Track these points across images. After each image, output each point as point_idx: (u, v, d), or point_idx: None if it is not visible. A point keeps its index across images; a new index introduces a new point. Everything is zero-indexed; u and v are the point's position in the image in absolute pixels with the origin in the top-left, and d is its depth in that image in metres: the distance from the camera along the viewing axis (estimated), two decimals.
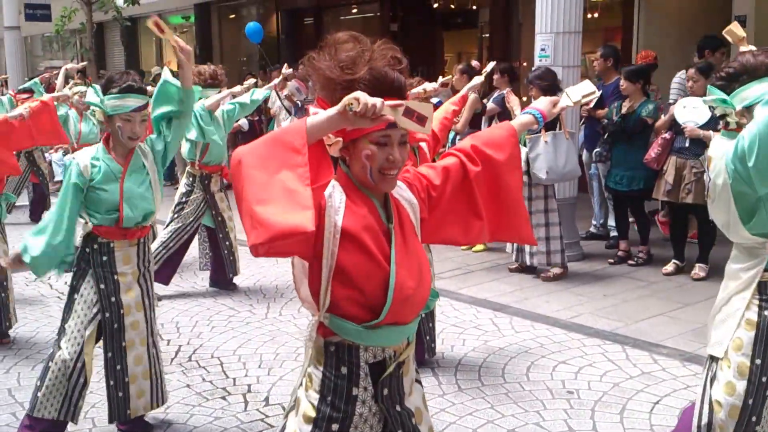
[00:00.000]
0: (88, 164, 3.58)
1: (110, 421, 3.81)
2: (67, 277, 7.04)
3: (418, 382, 2.30)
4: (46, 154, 10.40)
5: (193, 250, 6.75)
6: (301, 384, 2.19)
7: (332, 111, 1.85)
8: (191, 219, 6.21)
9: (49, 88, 9.17)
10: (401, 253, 2.05)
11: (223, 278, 6.47)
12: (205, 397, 4.36)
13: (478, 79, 5.25)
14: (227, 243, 6.35)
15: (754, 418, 2.74)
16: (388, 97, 1.89)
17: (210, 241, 6.50)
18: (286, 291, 6.42)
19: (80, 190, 3.56)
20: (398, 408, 2.16)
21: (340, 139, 1.99)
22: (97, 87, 3.62)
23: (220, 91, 6.15)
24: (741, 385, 2.71)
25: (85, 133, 8.13)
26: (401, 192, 2.16)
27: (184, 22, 18.44)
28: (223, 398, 4.36)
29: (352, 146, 2.02)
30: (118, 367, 3.74)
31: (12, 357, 5.02)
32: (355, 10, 15.27)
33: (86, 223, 3.70)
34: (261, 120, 11.17)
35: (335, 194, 2.02)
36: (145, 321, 3.78)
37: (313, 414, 2.09)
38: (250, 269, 7.01)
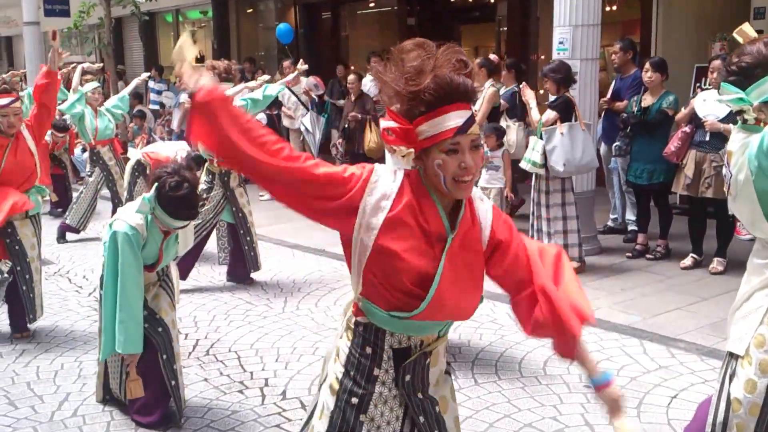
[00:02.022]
0: (144, 228, 3.76)
1: (180, 417, 4.01)
2: (86, 271, 7.14)
3: (449, 374, 2.32)
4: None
5: (211, 245, 6.78)
6: (331, 357, 2.27)
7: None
8: (211, 215, 6.24)
9: (67, 83, 9.24)
10: (452, 264, 2.04)
11: (240, 272, 6.50)
12: (223, 391, 4.39)
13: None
14: (248, 239, 6.35)
15: None
16: (457, 104, 1.95)
17: (231, 236, 6.53)
18: (303, 285, 6.44)
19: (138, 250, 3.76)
20: (420, 396, 2.18)
21: (412, 150, 2.00)
22: (151, 197, 3.72)
23: (233, 86, 6.16)
24: (763, 383, 2.65)
25: (101, 129, 8.17)
26: (483, 207, 2.16)
27: (202, 17, 18.50)
28: (241, 392, 4.38)
29: (425, 156, 2.01)
30: (174, 366, 3.94)
31: (31, 351, 5.07)
32: (372, 4, 15.24)
33: None
34: (280, 114, 11.20)
35: (384, 185, 2.04)
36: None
37: (336, 386, 2.16)
38: (267, 264, 7.03)
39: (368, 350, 2.14)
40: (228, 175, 6.26)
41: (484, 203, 2.17)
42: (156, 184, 3.69)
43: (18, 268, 5.15)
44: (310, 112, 10.78)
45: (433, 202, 2.05)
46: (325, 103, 11.69)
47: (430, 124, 1.97)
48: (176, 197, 3.64)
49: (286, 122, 11.19)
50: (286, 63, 11.31)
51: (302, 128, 10.93)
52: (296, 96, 10.82)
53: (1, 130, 4.95)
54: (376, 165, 2.11)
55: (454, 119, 1.96)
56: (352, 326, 2.17)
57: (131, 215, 3.74)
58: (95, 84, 8.47)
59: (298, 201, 2.05)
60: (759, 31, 3.25)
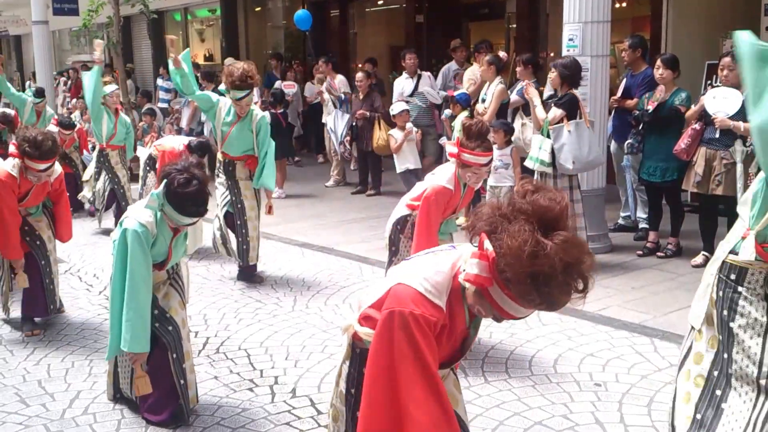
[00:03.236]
0: (154, 227, 3.75)
1: (188, 415, 4.00)
2: (97, 269, 7.15)
3: (452, 370, 2.42)
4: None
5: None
6: (338, 374, 2.53)
7: None
8: (222, 202, 6.31)
9: (77, 82, 9.27)
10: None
11: (247, 269, 6.49)
12: (233, 389, 4.39)
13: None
14: (243, 231, 6.31)
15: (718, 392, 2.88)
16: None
17: (229, 228, 6.48)
18: (313, 284, 6.44)
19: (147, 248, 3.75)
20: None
21: (478, 290, 2.06)
22: (159, 193, 3.68)
23: (250, 93, 6.14)
24: (709, 356, 2.91)
25: (118, 134, 8.30)
26: None
27: (210, 15, 18.52)
28: (251, 390, 4.38)
29: (479, 295, 2.08)
30: (184, 365, 3.96)
31: (42, 349, 5.09)
32: (380, 2, 15.23)
33: None
34: (286, 113, 11.22)
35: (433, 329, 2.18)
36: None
37: (344, 400, 2.40)
38: (277, 263, 7.04)
39: (364, 370, 2.27)
40: (233, 164, 6.27)
41: None
42: (165, 180, 3.65)
43: (42, 262, 5.32)
44: (335, 110, 10.81)
45: (463, 310, 2.21)
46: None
47: (505, 300, 2.01)
48: (185, 194, 3.60)
49: (324, 118, 11.28)
50: (321, 61, 11.37)
51: (327, 126, 11.02)
52: (330, 93, 10.89)
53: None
54: (431, 295, 2.16)
55: (523, 313, 2.04)
56: (350, 349, 2.42)
57: (141, 212, 3.73)
58: (114, 87, 8.54)
59: None
60: None
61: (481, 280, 2.00)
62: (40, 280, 5.34)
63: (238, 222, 6.33)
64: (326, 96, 10.98)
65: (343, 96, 10.81)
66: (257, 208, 6.41)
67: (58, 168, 5.29)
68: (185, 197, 3.60)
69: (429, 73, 10.40)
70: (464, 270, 2.08)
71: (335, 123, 10.80)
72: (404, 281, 2.11)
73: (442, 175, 4.45)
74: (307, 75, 14.09)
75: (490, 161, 4.44)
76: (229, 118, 6.21)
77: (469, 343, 2.35)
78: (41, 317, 5.47)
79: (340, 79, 11.04)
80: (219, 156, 6.38)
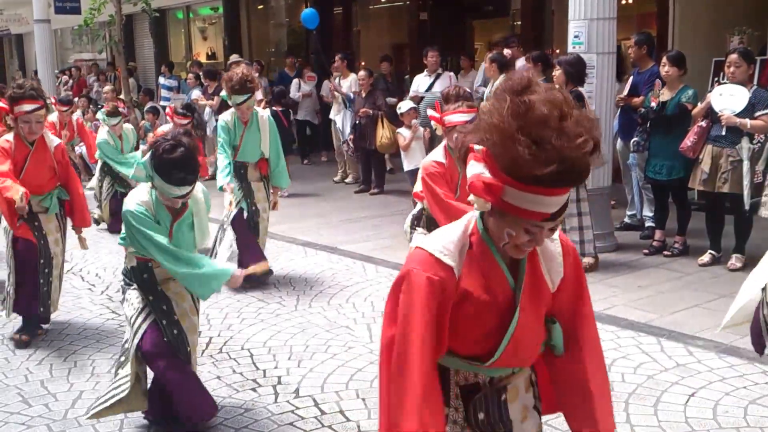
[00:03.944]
0: (152, 206, 3.63)
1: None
2: (99, 269, 7.11)
3: (538, 410, 2.16)
4: (77, 147, 10.55)
5: None
6: None
7: None
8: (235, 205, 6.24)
9: (80, 80, 9.30)
10: (523, 315, 1.96)
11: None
12: (236, 389, 4.36)
13: None
14: (256, 233, 6.27)
15: None
16: (563, 189, 1.77)
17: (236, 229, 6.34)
18: (316, 283, 6.41)
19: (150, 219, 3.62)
20: None
21: (489, 205, 1.82)
22: (146, 162, 3.55)
23: (251, 97, 6.11)
24: None
25: (126, 147, 8.43)
26: (552, 248, 2.02)
27: (213, 13, 18.49)
28: (254, 390, 4.35)
29: (499, 214, 1.84)
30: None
31: (44, 349, 5.06)
32: (384, 0, 15.20)
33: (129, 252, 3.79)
34: (288, 111, 11.20)
35: (448, 284, 1.92)
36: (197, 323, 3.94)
37: None
38: (280, 262, 7.01)
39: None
40: (245, 168, 6.22)
41: (553, 244, 2.02)
42: (152, 150, 3.54)
43: (41, 261, 5.15)
44: (343, 110, 10.80)
45: (496, 262, 1.93)
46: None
47: (522, 195, 1.75)
48: (170, 159, 3.44)
49: (333, 115, 11.26)
50: (337, 57, 11.36)
51: (336, 125, 11.02)
52: (339, 92, 10.88)
53: (22, 135, 4.97)
54: (441, 252, 1.92)
55: (551, 205, 1.76)
56: None
57: (137, 192, 3.66)
58: (107, 87, 8.67)
59: None
60: None
61: (486, 184, 1.77)
62: (34, 279, 5.15)
63: (251, 224, 6.24)
64: (336, 93, 10.98)
65: (351, 95, 10.79)
66: (269, 210, 6.38)
67: (55, 139, 5.18)
68: (170, 163, 3.43)
69: (451, 74, 10.28)
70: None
71: (343, 122, 10.80)
72: (421, 245, 1.96)
73: (432, 153, 4.45)
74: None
75: (475, 118, 4.36)
76: (238, 129, 6.18)
77: (527, 323, 1.97)
78: (27, 317, 5.23)
79: (353, 78, 11.01)
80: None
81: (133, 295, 3.79)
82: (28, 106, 4.88)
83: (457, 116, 4.19)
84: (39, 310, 5.20)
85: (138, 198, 3.62)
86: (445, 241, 1.93)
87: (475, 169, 1.80)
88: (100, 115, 8.74)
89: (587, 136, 1.72)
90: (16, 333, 5.20)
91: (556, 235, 2.00)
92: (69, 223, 5.38)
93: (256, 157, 6.23)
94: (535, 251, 1.98)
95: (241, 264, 6.38)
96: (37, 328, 5.29)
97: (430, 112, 4.48)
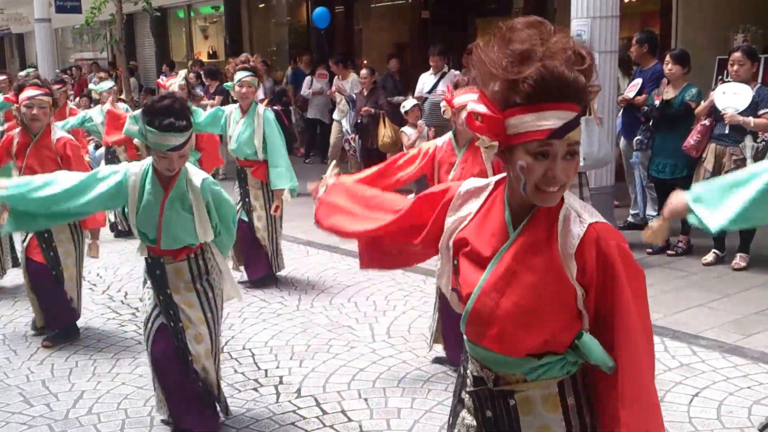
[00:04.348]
0: (138, 183, 3.50)
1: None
2: (100, 269, 7.09)
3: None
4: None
5: None
6: None
7: None
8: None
9: (80, 79, 9.27)
10: (505, 276, 1.79)
11: (259, 272, 6.29)
12: (237, 389, 4.35)
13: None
14: (255, 241, 6.16)
15: None
16: (560, 103, 1.66)
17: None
18: (318, 282, 6.39)
19: (116, 193, 3.50)
20: None
21: (496, 143, 1.74)
22: (137, 115, 3.45)
23: (253, 76, 6.02)
24: None
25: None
26: (575, 229, 1.77)
27: (214, 12, 18.48)
28: (255, 390, 4.33)
29: (509, 153, 1.74)
30: (193, 376, 3.68)
31: (45, 348, 5.03)
32: None
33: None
34: (288, 110, 11.18)
35: (469, 201, 1.92)
36: (210, 334, 3.70)
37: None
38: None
39: (461, 369, 2.01)
40: (243, 172, 6.16)
41: (578, 225, 1.77)
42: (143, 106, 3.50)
43: (54, 273, 5.00)
44: (348, 111, 10.77)
45: (502, 211, 1.82)
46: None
47: (522, 119, 1.67)
48: (159, 105, 3.35)
49: (336, 115, 11.21)
50: (331, 62, 11.33)
51: (342, 127, 11.01)
52: (342, 93, 10.86)
53: (25, 123, 4.90)
54: (465, 184, 1.94)
55: (551, 120, 1.65)
56: None
57: (132, 165, 3.60)
58: (110, 84, 8.47)
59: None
60: None
61: (485, 117, 1.71)
62: (55, 292, 5.04)
63: (251, 228, 6.14)
64: (338, 95, 10.95)
65: (353, 96, 10.77)
66: (266, 218, 6.15)
67: (61, 132, 5.06)
68: (158, 109, 3.34)
69: (457, 72, 10.24)
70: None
71: (349, 123, 10.78)
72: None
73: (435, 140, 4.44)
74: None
75: None
76: (236, 117, 6.10)
77: (510, 290, 1.79)
78: (61, 328, 5.15)
79: (353, 79, 10.97)
80: (237, 163, 6.24)
81: (146, 296, 3.71)
82: (30, 92, 4.85)
83: (465, 96, 4.17)
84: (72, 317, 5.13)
85: (131, 166, 3.55)
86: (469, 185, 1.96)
87: (474, 108, 1.75)
88: (92, 85, 8.52)
89: (572, 51, 1.67)
90: (45, 339, 5.14)
91: (589, 218, 1.78)
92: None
93: (250, 153, 6.04)
94: (551, 218, 1.79)
95: (247, 269, 6.34)
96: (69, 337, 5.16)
97: (440, 98, 4.44)
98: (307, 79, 12.80)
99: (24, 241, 5.03)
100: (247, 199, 6.18)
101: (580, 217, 1.77)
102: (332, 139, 11.35)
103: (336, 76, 11.30)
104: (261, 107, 6.20)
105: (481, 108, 1.72)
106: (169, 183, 3.52)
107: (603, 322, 1.78)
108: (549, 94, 1.65)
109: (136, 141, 3.55)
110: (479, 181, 1.94)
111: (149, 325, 3.68)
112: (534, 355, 1.82)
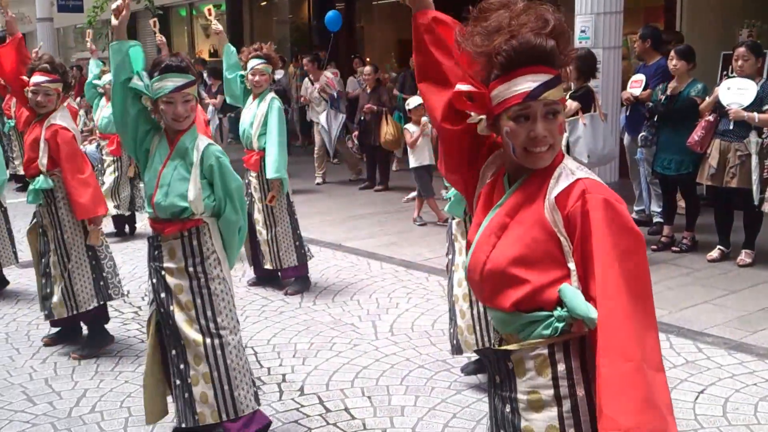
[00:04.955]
0: (156, 143, 3.48)
1: (178, 425, 3.56)
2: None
3: (558, 398, 1.81)
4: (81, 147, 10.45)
5: None
6: None
7: None
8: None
9: (81, 79, 9.22)
10: (496, 229, 1.86)
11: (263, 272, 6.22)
12: None
13: None
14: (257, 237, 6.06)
15: None
16: (532, 67, 1.75)
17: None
18: (320, 280, 6.37)
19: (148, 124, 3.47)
20: (507, 409, 1.88)
21: (483, 117, 1.86)
22: (143, 73, 3.45)
23: (266, 63, 5.96)
24: None
25: (102, 123, 8.12)
26: (558, 185, 1.80)
27: (216, 10, 18.45)
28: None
29: (497, 123, 1.85)
30: (182, 366, 3.48)
31: (48, 347, 5.03)
32: None
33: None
34: (287, 109, 11.15)
35: (492, 165, 2.00)
36: (199, 319, 3.49)
37: None
38: None
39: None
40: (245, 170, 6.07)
41: (562, 180, 1.81)
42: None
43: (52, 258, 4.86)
44: (327, 109, 10.71)
45: (502, 177, 1.94)
46: (397, 96, 11.55)
47: (501, 89, 1.79)
48: (162, 58, 3.44)
49: (312, 115, 11.14)
50: (305, 60, 11.23)
51: (318, 125, 10.89)
52: (319, 93, 10.79)
53: (33, 106, 4.86)
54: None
55: (525, 83, 1.76)
56: None
57: None
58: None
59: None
60: None
61: (469, 93, 1.82)
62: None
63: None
64: (316, 95, 10.86)
65: (335, 94, 10.71)
66: (264, 212, 6.01)
67: (59, 120, 4.84)
68: (158, 59, 3.42)
69: None
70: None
71: (328, 122, 10.68)
72: None
73: None
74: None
75: None
76: (248, 103, 6.02)
77: (500, 243, 1.83)
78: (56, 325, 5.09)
79: (323, 79, 10.92)
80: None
81: (149, 288, 3.60)
82: (38, 78, 4.80)
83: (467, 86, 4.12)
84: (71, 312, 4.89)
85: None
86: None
87: (461, 87, 1.85)
88: (95, 80, 8.35)
89: (536, 17, 1.77)
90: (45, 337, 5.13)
91: (581, 174, 1.80)
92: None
93: (248, 137, 5.93)
94: (548, 175, 1.83)
95: (255, 261, 6.20)
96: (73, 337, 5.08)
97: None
98: (306, 80, 12.76)
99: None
100: (248, 191, 5.99)
101: (573, 173, 1.81)
102: (317, 139, 11.23)
103: (324, 75, 11.15)
104: (270, 95, 6.01)
105: (467, 87, 1.83)
106: (175, 139, 3.47)
107: (586, 275, 1.75)
108: (519, 61, 1.76)
109: (147, 102, 3.46)
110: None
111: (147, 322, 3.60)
112: (523, 311, 1.83)
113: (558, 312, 1.78)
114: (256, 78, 5.90)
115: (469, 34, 1.84)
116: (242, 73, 6.06)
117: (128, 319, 5.56)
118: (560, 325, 1.79)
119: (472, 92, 1.83)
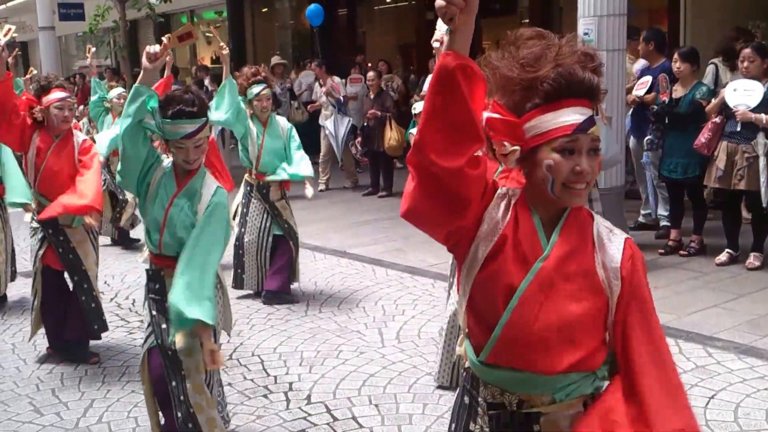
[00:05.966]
0: (159, 175, 3.41)
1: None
2: (107, 276, 7.05)
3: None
4: None
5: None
6: None
7: None
8: (256, 232, 6.00)
9: (84, 87, 9.21)
10: (541, 289, 1.72)
11: (282, 286, 6.09)
12: (247, 396, 4.31)
13: None
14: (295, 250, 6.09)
15: None
16: (579, 100, 1.70)
17: (279, 248, 6.09)
18: (325, 287, 6.35)
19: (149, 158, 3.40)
20: None
21: (518, 148, 1.71)
22: (156, 108, 3.40)
23: (266, 87, 5.96)
24: None
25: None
26: (614, 240, 1.78)
27: (217, 17, 18.49)
28: (265, 396, 4.30)
29: (531, 156, 1.72)
30: (182, 397, 3.45)
31: (55, 357, 5.00)
32: (389, 0, 15.15)
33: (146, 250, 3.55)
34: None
35: (498, 206, 1.78)
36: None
37: None
38: None
39: (466, 399, 1.89)
40: (267, 187, 5.99)
41: (615, 236, 1.79)
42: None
43: (75, 278, 4.89)
44: (334, 113, 10.69)
45: (530, 215, 1.77)
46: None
47: (543, 119, 1.69)
48: (171, 95, 3.36)
49: (322, 120, 11.11)
50: (314, 65, 11.20)
51: (326, 130, 10.85)
52: (326, 96, 10.78)
53: (54, 125, 4.78)
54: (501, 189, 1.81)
55: (574, 115, 1.69)
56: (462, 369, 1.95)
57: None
58: (120, 89, 8.41)
59: None
60: None
61: (504, 121, 1.70)
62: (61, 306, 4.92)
63: (291, 242, 6.04)
64: (324, 99, 10.85)
65: (341, 99, 10.69)
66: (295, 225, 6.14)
67: (83, 136, 4.96)
68: (170, 98, 3.33)
69: None
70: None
71: (335, 127, 10.64)
72: None
73: None
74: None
75: None
76: (258, 131, 5.97)
77: (547, 301, 1.72)
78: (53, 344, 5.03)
79: (334, 81, 10.90)
80: (249, 179, 6.07)
81: (144, 312, 3.55)
82: (60, 93, 4.77)
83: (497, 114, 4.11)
84: (93, 328, 4.95)
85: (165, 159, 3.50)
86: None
87: (489, 115, 1.74)
88: (93, 84, 8.35)
89: (581, 52, 1.74)
90: (90, 358, 5.00)
91: (619, 233, 1.81)
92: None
93: (275, 165, 5.94)
94: (586, 223, 1.79)
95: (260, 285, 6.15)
96: (69, 354, 4.99)
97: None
98: (329, 80, 12.71)
99: (40, 249, 4.88)
100: (275, 212, 6.00)
101: (612, 231, 1.81)
102: (323, 144, 11.21)
103: (329, 80, 11.12)
104: (279, 118, 6.15)
105: (497, 116, 1.73)
106: (185, 179, 3.43)
107: (624, 328, 1.80)
108: (568, 91, 1.69)
109: (156, 140, 3.44)
110: (501, 189, 1.83)
111: (144, 346, 3.50)
112: (564, 373, 1.75)
113: (601, 371, 1.81)
114: (263, 103, 5.95)
115: (507, 61, 1.73)
116: (241, 98, 5.97)
117: (134, 328, 5.54)
118: (604, 384, 1.80)
119: (504, 121, 1.71)
